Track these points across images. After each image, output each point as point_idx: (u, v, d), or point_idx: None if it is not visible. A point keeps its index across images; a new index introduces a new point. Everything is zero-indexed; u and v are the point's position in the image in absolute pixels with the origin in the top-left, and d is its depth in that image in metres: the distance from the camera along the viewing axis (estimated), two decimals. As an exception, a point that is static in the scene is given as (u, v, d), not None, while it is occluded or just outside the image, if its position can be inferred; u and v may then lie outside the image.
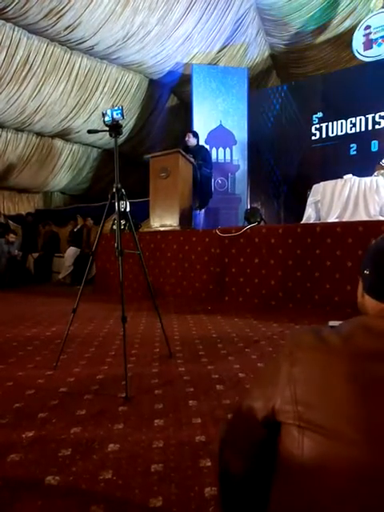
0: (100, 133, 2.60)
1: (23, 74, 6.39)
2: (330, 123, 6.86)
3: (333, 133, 6.85)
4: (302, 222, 4.75)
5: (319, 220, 4.68)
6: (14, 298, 5.74)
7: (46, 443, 1.51)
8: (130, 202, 2.70)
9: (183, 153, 5.18)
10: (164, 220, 5.33)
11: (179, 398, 1.95)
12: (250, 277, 4.54)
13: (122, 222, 5.11)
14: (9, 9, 5.38)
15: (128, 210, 2.83)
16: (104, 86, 7.30)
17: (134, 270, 4.99)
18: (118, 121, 2.42)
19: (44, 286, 7.14)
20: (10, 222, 8.63)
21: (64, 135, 8.13)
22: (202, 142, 6.21)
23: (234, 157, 7.29)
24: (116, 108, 2.43)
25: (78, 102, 7.29)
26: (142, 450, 1.45)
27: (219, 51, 7.45)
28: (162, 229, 5.33)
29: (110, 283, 5.51)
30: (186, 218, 5.38)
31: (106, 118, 2.44)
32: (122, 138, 8.00)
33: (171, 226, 5.27)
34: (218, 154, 7.24)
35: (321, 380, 0.61)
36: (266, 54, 8.13)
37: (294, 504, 0.62)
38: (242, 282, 4.59)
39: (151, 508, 1.13)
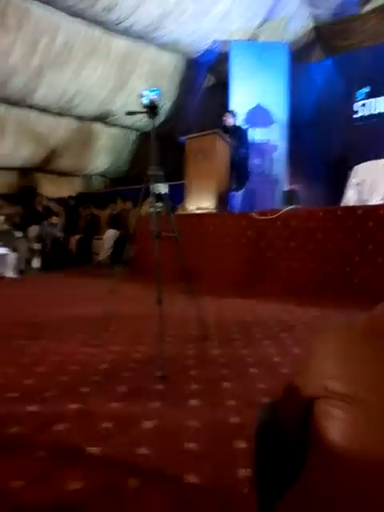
0: (138, 115, 2.63)
1: (63, 58, 6.49)
2: (376, 99, 6.46)
3: (377, 110, 6.45)
4: (342, 205, 4.58)
5: (361, 202, 4.49)
6: (58, 279, 6.02)
7: (88, 416, 1.61)
8: (166, 185, 2.72)
9: (221, 133, 5.11)
10: (200, 202, 5.33)
11: (214, 379, 1.99)
12: (287, 260, 4.47)
13: (159, 204, 5.17)
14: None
15: (165, 192, 2.85)
16: (141, 68, 7.28)
17: (170, 252, 5.05)
18: (155, 101, 2.43)
19: (85, 266, 7.41)
20: (53, 204, 8.96)
21: (103, 118, 8.24)
22: (239, 122, 6.08)
23: (272, 137, 7.08)
24: (153, 89, 2.43)
25: (116, 85, 7.33)
26: (177, 428, 1.51)
27: (259, 26, 7.17)
28: (198, 211, 5.34)
29: (147, 265, 5.60)
30: (222, 200, 5.34)
31: (144, 100, 2.45)
32: (159, 120, 7.96)
33: (207, 208, 5.26)
34: (255, 134, 7.05)
35: (344, 355, 0.67)
36: (309, 26, 7.72)
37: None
38: (279, 266, 4.53)
39: (185, 483, 1.19)
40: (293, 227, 4.43)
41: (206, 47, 7.31)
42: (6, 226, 6.74)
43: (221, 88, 8.25)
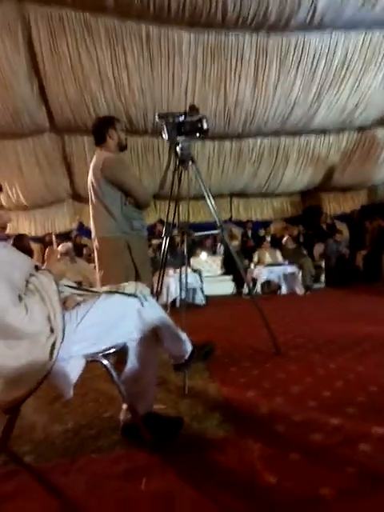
0: None
1: (341, 74, 6.49)
2: None
3: None
4: None
5: None
6: (344, 296, 5.88)
7: (397, 445, 1.43)
8: None
9: None
10: None
11: None
12: None
13: None
14: (325, 18, 5.63)
15: None
16: None
17: None
18: None
19: (374, 284, 6.88)
20: (336, 221, 8.94)
21: (386, 122, 7.61)
22: None
23: None
24: None
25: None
26: None
27: None
28: None
29: None
30: None
31: None
32: None
33: None
34: None
35: None
36: None
37: None
38: None
39: None
40: None
41: None
42: (294, 245, 7.27)
43: None
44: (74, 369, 1.35)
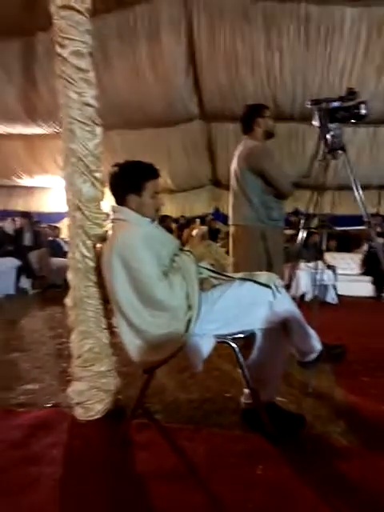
0: None
1: None
2: None
3: None
4: None
5: None
6: None
7: None
8: None
9: None
10: None
11: None
12: None
13: None
14: None
15: None
16: None
17: None
18: None
19: None
20: None
21: None
22: None
23: None
24: None
25: None
26: None
27: None
28: None
29: None
30: None
31: None
32: None
33: None
34: None
35: None
36: None
37: None
38: None
39: None
40: None
41: None
42: None
43: None
44: (205, 345, 1.44)
